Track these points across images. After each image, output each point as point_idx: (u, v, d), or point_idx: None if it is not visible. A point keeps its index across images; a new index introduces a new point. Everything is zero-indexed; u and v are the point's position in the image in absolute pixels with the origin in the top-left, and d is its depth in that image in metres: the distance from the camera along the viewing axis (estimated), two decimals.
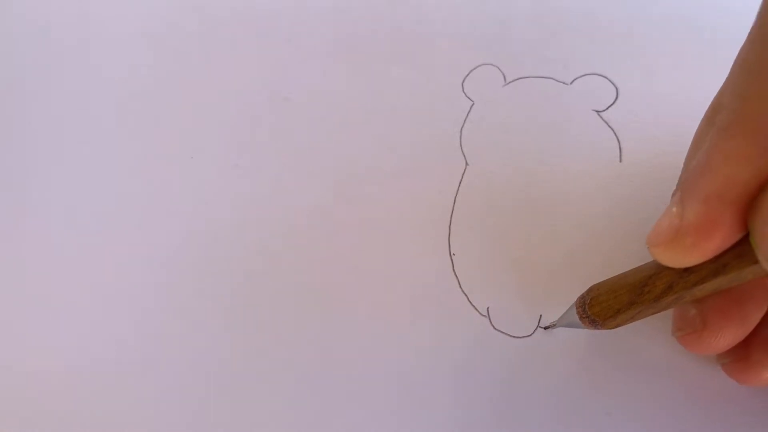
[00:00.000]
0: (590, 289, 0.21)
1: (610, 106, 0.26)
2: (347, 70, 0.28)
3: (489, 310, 0.24)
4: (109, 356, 0.26)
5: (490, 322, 0.24)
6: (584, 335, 0.24)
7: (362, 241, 0.26)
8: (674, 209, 0.17)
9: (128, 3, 0.31)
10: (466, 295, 0.25)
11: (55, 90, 0.30)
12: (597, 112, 0.26)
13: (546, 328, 0.24)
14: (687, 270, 0.18)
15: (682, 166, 0.25)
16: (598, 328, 0.21)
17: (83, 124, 0.30)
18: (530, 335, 0.24)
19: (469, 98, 0.27)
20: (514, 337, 0.24)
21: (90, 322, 0.27)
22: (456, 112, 0.27)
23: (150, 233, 0.27)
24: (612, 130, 0.26)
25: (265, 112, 0.28)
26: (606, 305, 0.20)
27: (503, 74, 0.27)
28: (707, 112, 0.20)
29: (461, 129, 0.27)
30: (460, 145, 0.27)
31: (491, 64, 0.27)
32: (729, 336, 0.20)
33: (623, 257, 0.24)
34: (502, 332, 0.24)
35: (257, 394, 0.25)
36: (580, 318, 0.21)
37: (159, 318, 0.26)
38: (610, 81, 0.26)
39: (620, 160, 0.25)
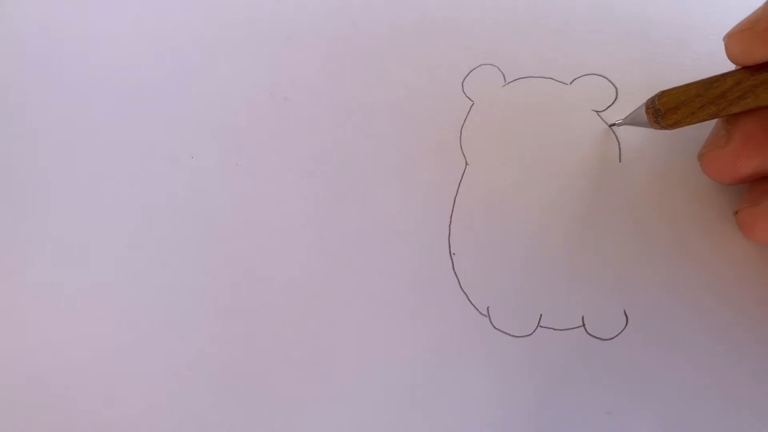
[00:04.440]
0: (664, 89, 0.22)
1: (609, 106, 0.26)
2: (347, 70, 0.28)
3: (489, 309, 0.25)
4: (109, 356, 0.26)
5: (490, 321, 0.24)
6: (584, 338, 0.24)
7: (362, 241, 0.26)
8: (760, 7, 0.19)
9: (128, 3, 0.31)
10: (466, 295, 0.25)
11: (55, 90, 0.30)
12: (597, 112, 0.26)
13: (612, 125, 0.25)
14: (757, 67, 0.20)
15: (680, 167, 0.25)
16: (660, 124, 0.21)
17: (83, 124, 0.30)
18: (530, 335, 0.24)
19: (469, 98, 0.27)
20: (514, 336, 0.24)
21: (90, 321, 0.27)
22: (456, 112, 0.27)
23: (150, 233, 0.27)
24: (611, 130, 0.26)
25: (265, 112, 0.28)
26: (673, 96, 0.21)
27: (503, 74, 0.27)
28: None
29: (461, 129, 0.27)
30: (460, 145, 0.27)
31: (491, 64, 0.27)
32: (747, 160, 0.21)
33: (623, 256, 0.24)
34: (502, 332, 0.24)
35: (256, 395, 0.25)
36: (646, 110, 0.22)
37: (159, 317, 0.26)
38: (610, 81, 0.26)
39: (620, 160, 0.25)
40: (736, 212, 0.23)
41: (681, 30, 0.26)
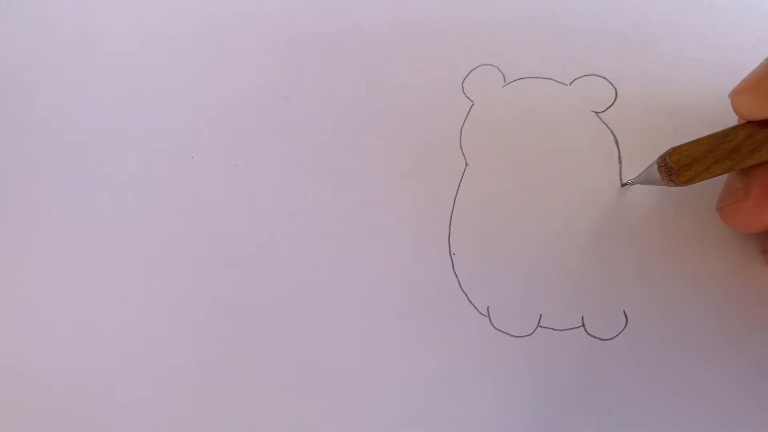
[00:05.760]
0: (674, 146, 0.21)
1: (609, 107, 0.26)
2: (347, 70, 0.28)
3: (489, 309, 0.25)
4: (109, 356, 0.26)
5: (490, 321, 0.24)
6: (584, 338, 0.24)
7: (362, 241, 0.26)
8: (762, 64, 0.19)
9: (128, 3, 0.31)
10: (466, 295, 0.25)
11: (56, 90, 0.30)
12: (596, 113, 0.26)
13: (624, 184, 0.25)
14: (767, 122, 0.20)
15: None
16: (674, 181, 0.21)
17: (83, 124, 0.30)
18: (530, 335, 0.24)
19: (469, 98, 0.27)
20: (514, 336, 0.24)
21: (90, 321, 0.27)
22: (456, 112, 0.27)
23: (150, 232, 0.27)
24: (611, 131, 0.26)
25: (265, 112, 0.28)
26: (685, 153, 0.21)
27: (503, 74, 0.27)
28: None
29: (461, 129, 0.27)
30: (460, 145, 0.27)
31: (491, 64, 0.27)
32: None
33: (622, 257, 0.24)
34: (502, 332, 0.24)
35: (256, 395, 0.25)
36: (659, 168, 0.21)
37: (158, 316, 0.26)
38: (610, 82, 0.26)
39: (619, 161, 0.25)
40: (765, 251, 0.23)
41: (681, 31, 0.27)
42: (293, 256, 0.26)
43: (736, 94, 0.20)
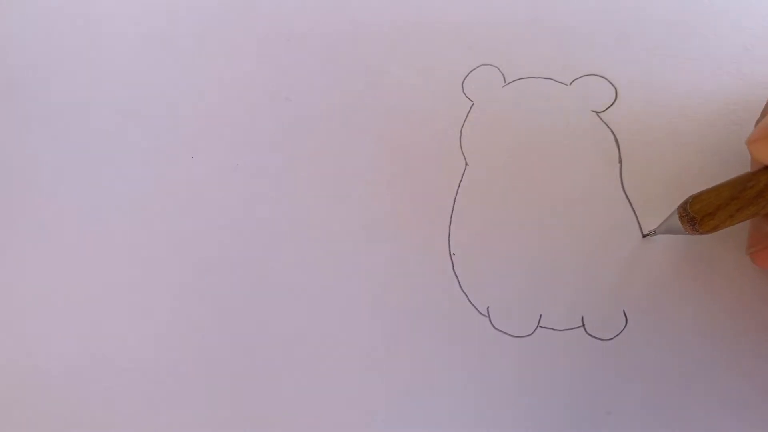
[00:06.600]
0: (693, 194, 0.21)
1: (609, 107, 0.26)
2: (347, 70, 0.28)
3: (489, 309, 0.25)
4: (109, 355, 0.26)
5: (490, 321, 0.24)
6: (584, 338, 0.24)
7: (362, 241, 0.26)
8: None
9: (128, 3, 0.31)
10: (466, 295, 0.25)
11: (56, 90, 0.30)
12: (596, 112, 0.26)
13: (645, 235, 0.24)
14: None
15: (681, 167, 0.25)
16: (697, 230, 0.20)
17: (84, 124, 0.30)
18: (530, 335, 0.24)
19: (469, 98, 0.27)
20: (514, 336, 0.24)
21: (90, 320, 0.27)
22: (456, 112, 0.27)
23: (150, 232, 0.27)
24: (611, 130, 0.26)
25: (265, 112, 0.28)
26: (707, 202, 0.20)
27: (503, 74, 0.27)
28: None
29: (461, 129, 0.27)
30: (460, 145, 0.27)
31: (491, 65, 0.27)
32: None
33: (622, 257, 0.24)
34: (502, 332, 0.24)
35: (256, 393, 0.25)
36: (680, 218, 0.21)
37: (158, 316, 0.26)
38: (610, 82, 0.26)
39: (619, 161, 0.25)
40: None
41: (681, 31, 0.26)
42: (293, 256, 0.26)
43: (753, 142, 0.20)
